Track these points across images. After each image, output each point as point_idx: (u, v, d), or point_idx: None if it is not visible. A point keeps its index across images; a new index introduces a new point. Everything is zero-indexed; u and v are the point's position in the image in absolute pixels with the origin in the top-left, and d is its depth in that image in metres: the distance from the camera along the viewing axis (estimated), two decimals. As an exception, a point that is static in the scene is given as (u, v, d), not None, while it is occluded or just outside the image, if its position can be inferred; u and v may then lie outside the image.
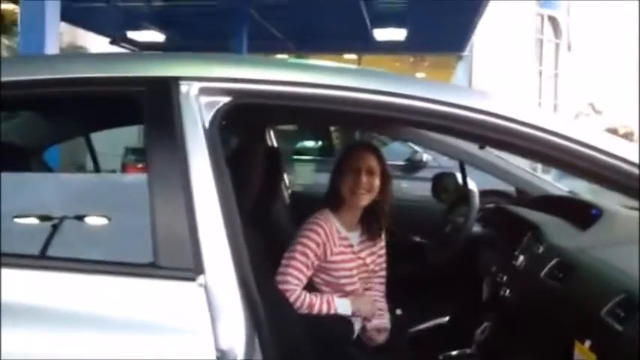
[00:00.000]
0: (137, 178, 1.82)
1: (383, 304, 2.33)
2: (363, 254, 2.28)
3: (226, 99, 1.31)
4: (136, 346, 1.16)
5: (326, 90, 1.30)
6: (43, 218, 1.37)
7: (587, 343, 1.52)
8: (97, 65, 1.42)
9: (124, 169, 7.21)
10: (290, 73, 1.36)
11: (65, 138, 2.84)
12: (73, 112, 2.12)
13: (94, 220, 1.43)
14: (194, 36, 10.40)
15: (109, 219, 1.41)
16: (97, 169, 2.83)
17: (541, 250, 2.04)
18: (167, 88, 1.29)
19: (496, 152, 2.91)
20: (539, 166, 8.81)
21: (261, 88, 1.33)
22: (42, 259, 1.26)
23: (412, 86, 1.33)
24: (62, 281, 1.20)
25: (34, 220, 1.36)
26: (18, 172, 1.79)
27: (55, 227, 1.33)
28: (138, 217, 1.26)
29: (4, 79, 1.35)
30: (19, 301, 1.17)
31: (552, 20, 19.98)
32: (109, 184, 1.73)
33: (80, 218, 1.41)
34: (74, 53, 8.10)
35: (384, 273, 2.38)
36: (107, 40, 11.69)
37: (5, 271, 1.19)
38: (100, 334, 1.16)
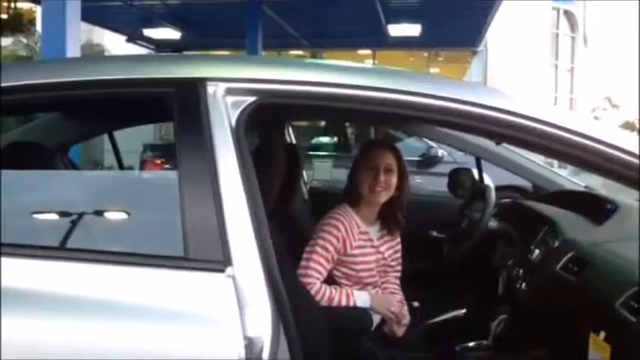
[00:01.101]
0: (168, 175, 1.88)
1: (400, 296, 2.37)
2: (382, 248, 2.33)
3: (252, 99, 1.36)
4: (167, 335, 1.21)
5: (349, 90, 1.35)
6: (82, 214, 1.43)
7: (602, 335, 1.56)
8: (127, 67, 1.48)
9: (143, 165, 7.30)
10: (313, 74, 1.41)
11: (91, 136, 2.91)
12: (100, 112, 2.18)
13: (128, 216, 1.49)
14: (210, 34, 10.48)
15: (143, 214, 1.47)
16: (120, 164, 2.90)
17: (556, 244, 2.07)
18: (195, 89, 1.34)
19: (512, 148, 2.94)
20: (555, 161, 8.79)
21: (286, 88, 1.38)
22: (80, 252, 1.32)
23: (434, 85, 1.37)
24: (99, 273, 1.26)
25: (73, 215, 1.42)
26: (50, 170, 1.86)
27: (91, 222, 1.40)
28: (169, 213, 1.32)
29: (39, 81, 1.42)
30: (58, 292, 1.24)
31: (568, 14, 19.81)
32: (142, 181, 1.79)
33: (115, 214, 1.47)
34: (104, 56, 8.19)
35: (399, 267, 2.42)
36: (124, 38, 11.80)
37: (45, 262, 1.26)
38: (134, 323, 1.22)
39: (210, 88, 1.34)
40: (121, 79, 1.41)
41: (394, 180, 2.23)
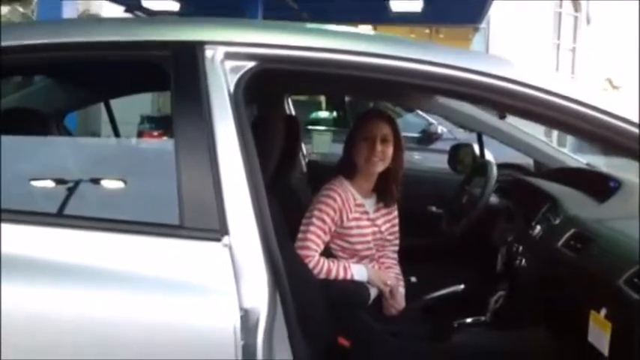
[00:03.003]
0: (164, 142, 1.84)
1: (397, 270, 2.36)
2: (378, 221, 2.30)
3: (251, 64, 1.32)
4: (162, 304, 1.19)
5: (351, 56, 1.31)
6: (77, 181, 1.40)
7: (603, 312, 1.54)
8: (122, 29, 1.43)
9: (140, 136, 7.26)
10: (316, 39, 1.36)
11: (87, 104, 2.86)
12: (95, 77, 2.13)
13: (124, 183, 1.46)
14: (209, 5, 10.34)
15: (139, 182, 1.44)
16: (116, 134, 2.85)
17: (558, 221, 2.05)
18: (192, 53, 1.30)
19: (514, 124, 2.91)
20: (555, 138, 8.76)
21: (286, 53, 1.33)
22: (75, 219, 1.29)
23: (435, 53, 1.33)
24: (93, 240, 1.23)
25: (69, 182, 1.39)
26: (46, 137, 1.82)
27: (87, 189, 1.36)
28: (165, 180, 1.28)
29: (26, 42, 1.37)
30: (52, 259, 1.21)
31: (572, -7, 19.61)
32: (139, 148, 1.76)
33: (111, 181, 1.44)
34: (98, 18, 8.09)
35: (397, 242, 2.40)
36: (122, 8, 11.64)
37: (40, 229, 1.23)
38: (128, 291, 1.20)
39: (209, 52, 1.30)
40: (114, 42, 1.36)
41: (390, 150, 2.20)
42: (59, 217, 1.30)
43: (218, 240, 1.19)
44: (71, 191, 1.38)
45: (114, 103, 2.80)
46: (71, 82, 2.40)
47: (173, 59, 1.31)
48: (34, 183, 1.44)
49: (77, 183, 1.40)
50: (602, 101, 1.29)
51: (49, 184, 1.44)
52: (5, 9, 12.89)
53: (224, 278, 1.18)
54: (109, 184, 1.47)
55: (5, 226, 1.21)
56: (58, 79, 2.40)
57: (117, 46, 1.36)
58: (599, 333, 1.54)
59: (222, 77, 1.29)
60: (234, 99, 1.28)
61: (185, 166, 1.24)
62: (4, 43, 1.35)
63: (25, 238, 1.23)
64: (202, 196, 1.22)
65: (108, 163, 1.49)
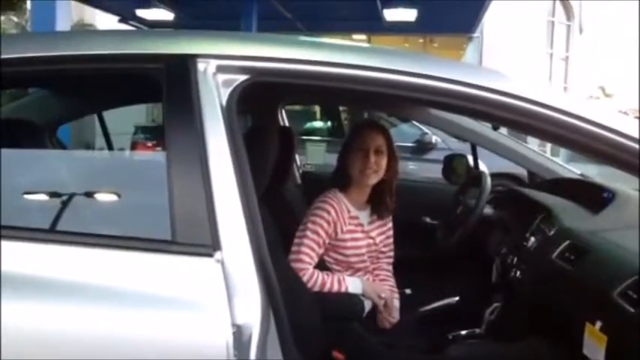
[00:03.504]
0: (156, 156, 1.83)
1: (392, 282, 2.35)
2: (372, 233, 2.30)
3: (243, 77, 1.31)
4: (154, 320, 1.18)
5: (344, 69, 1.31)
6: (66, 195, 1.38)
7: (598, 325, 1.53)
8: (115, 42, 1.42)
9: (134, 147, 7.24)
10: (308, 52, 1.36)
11: (80, 115, 2.85)
12: (88, 89, 2.13)
13: (116, 198, 1.44)
14: (204, 15, 10.35)
15: (130, 196, 1.43)
16: (109, 146, 2.84)
17: (552, 232, 2.04)
18: (185, 66, 1.29)
19: (508, 134, 2.91)
20: (548, 149, 8.79)
21: (278, 66, 1.33)
22: (64, 235, 1.27)
23: (429, 65, 1.33)
24: (83, 256, 1.21)
25: (57, 197, 1.38)
26: (38, 150, 1.81)
27: (76, 204, 1.35)
28: (157, 195, 1.27)
29: (21, 55, 1.36)
30: (43, 275, 1.19)
31: (564, 2, 19.72)
32: (130, 162, 1.75)
33: (101, 195, 1.42)
34: (91, 30, 8.09)
35: (391, 254, 2.40)
36: (116, 18, 11.65)
37: (30, 245, 1.21)
38: (118, 308, 1.18)
39: (201, 65, 1.30)
40: (108, 54, 1.36)
41: (384, 162, 2.20)
42: (49, 233, 1.29)
43: (210, 255, 1.18)
44: (62, 206, 1.36)
45: (108, 114, 2.79)
46: (65, 95, 2.39)
47: (166, 72, 1.30)
48: (24, 197, 1.42)
49: (68, 197, 1.39)
50: (595, 112, 1.29)
51: (40, 198, 1.43)
52: (-1, 19, 12.88)
53: (216, 294, 1.17)
54: (101, 198, 1.46)
55: None
56: (51, 91, 2.39)
57: (110, 59, 1.36)
58: (594, 346, 1.53)
59: (215, 90, 1.28)
60: (227, 112, 1.28)
61: (177, 180, 1.23)
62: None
63: (15, 255, 1.21)
64: (194, 211, 1.21)
65: (99, 176, 1.48)
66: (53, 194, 1.38)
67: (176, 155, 1.25)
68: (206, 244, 1.19)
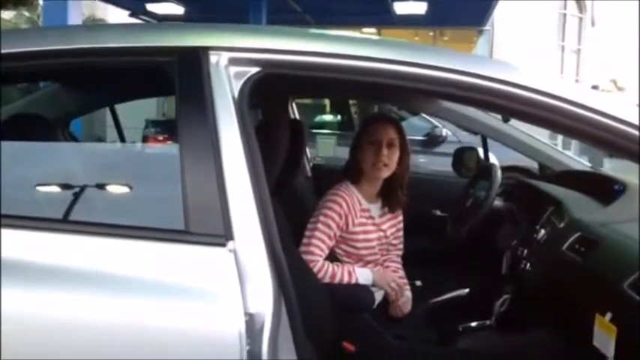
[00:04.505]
0: (169, 147, 1.85)
1: (401, 274, 2.36)
2: (383, 226, 2.31)
3: (255, 69, 1.32)
4: (167, 309, 1.19)
5: (355, 61, 1.31)
6: (83, 186, 1.40)
7: (608, 316, 1.53)
8: (128, 35, 1.43)
9: (145, 141, 7.27)
10: (320, 44, 1.36)
11: (92, 109, 2.88)
12: (101, 82, 2.15)
13: (129, 189, 1.46)
14: (213, 9, 10.36)
15: (144, 187, 1.44)
16: (122, 139, 2.87)
17: (563, 224, 2.04)
18: (197, 58, 1.30)
19: (519, 126, 2.90)
20: (560, 141, 8.74)
21: (290, 58, 1.34)
22: (81, 225, 1.29)
23: (440, 57, 1.33)
24: (98, 246, 1.23)
25: (74, 188, 1.40)
26: (52, 142, 1.83)
27: (92, 195, 1.37)
28: (170, 185, 1.29)
29: (34, 48, 1.38)
30: (59, 264, 1.22)
31: (576, -6, 19.57)
32: (144, 154, 1.76)
33: (116, 187, 1.44)
34: (103, 24, 8.13)
35: (401, 246, 2.41)
36: (126, 12, 11.69)
37: (46, 234, 1.23)
38: (132, 297, 1.20)
39: (213, 58, 1.31)
40: (121, 48, 1.37)
41: (396, 155, 2.20)
42: (65, 223, 1.31)
43: (223, 245, 1.20)
44: (77, 197, 1.38)
45: (119, 107, 2.81)
46: (77, 88, 2.41)
47: (178, 65, 1.31)
48: (41, 189, 1.45)
49: (83, 188, 1.41)
50: (607, 104, 1.29)
51: (55, 189, 1.45)
52: (11, 13, 12.95)
53: (229, 283, 1.18)
54: (115, 189, 1.48)
55: (14, 232, 1.22)
56: (64, 85, 2.41)
57: (123, 52, 1.37)
58: (605, 337, 1.53)
59: (227, 83, 1.29)
60: (239, 104, 1.29)
61: (190, 171, 1.24)
62: (12, 50, 1.36)
63: (32, 244, 1.23)
64: (207, 201, 1.22)
65: (113, 168, 1.50)
66: (71, 186, 1.40)
67: (189, 147, 1.26)
68: (219, 233, 1.20)
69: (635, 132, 1.25)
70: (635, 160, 1.31)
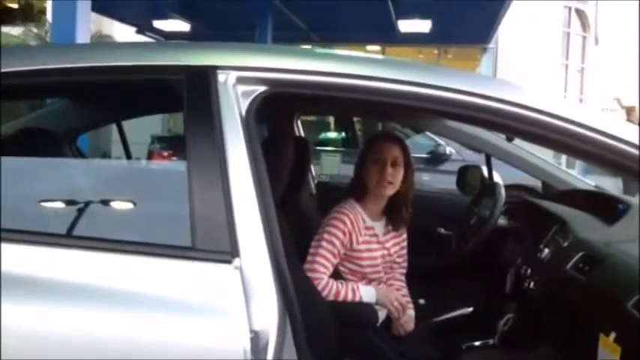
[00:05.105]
0: (177, 164, 1.87)
1: (405, 292, 2.36)
2: (387, 244, 2.31)
3: (262, 88, 1.34)
4: (173, 325, 1.20)
5: (361, 81, 1.33)
6: (90, 202, 1.42)
7: (612, 336, 1.53)
8: (137, 53, 1.46)
9: (151, 157, 7.30)
10: (326, 64, 1.39)
11: (100, 125, 2.90)
12: (109, 99, 2.17)
13: (136, 205, 1.48)
14: (219, 26, 10.45)
15: (151, 204, 1.46)
16: (128, 155, 2.89)
17: (567, 243, 2.05)
18: (205, 77, 1.32)
19: (522, 145, 2.92)
20: (564, 161, 8.74)
21: (297, 77, 1.36)
22: (88, 240, 1.30)
23: (444, 77, 1.35)
24: (105, 262, 1.24)
25: (81, 203, 1.41)
26: (59, 158, 1.85)
27: (100, 210, 1.39)
28: (177, 202, 1.30)
29: (44, 66, 1.40)
30: (65, 280, 1.23)
31: (580, 13, 19.65)
32: (151, 170, 1.78)
33: (123, 203, 1.46)
34: (113, 42, 8.20)
35: (405, 264, 2.41)
36: (133, 29, 11.79)
37: (52, 250, 1.25)
38: (139, 313, 1.21)
39: (221, 77, 1.33)
40: (130, 66, 1.39)
41: (401, 173, 2.21)
42: (71, 239, 1.32)
43: (229, 262, 1.21)
44: (83, 212, 1.40)
45: (125, 124, 2.84)
46: (85, 104, 2.44)
47: (186, 83, 1.34)
48: (46, 204, 1.46)
49: (89, 204, 1.42)
50: (609, 124, 1.30)
51: (62, 205, 1.47)
52: (19, 29, 13.07)
53: (234, 300, 1.19)
54: (122, 205, 1.49)
55: (21, 247, 1.24)
56: (73, 101, 2.44)
57: (132, 70, 1.39)
58: (609, 356, 1.53)
59: (235, 101, 1.31)
60: (246, 122, 1.31)
61: (197, 188, 1.26)
62: (22, 68, 1.38)
63: (36, 259, 1.24)
64: (214, 218, 1.24)
65: (121, 184, 1.51)
66: (79, 201, 1.41)
67: (196, 164, 1.28)
68: (225, 250, 1.21)
69: (637, 152, 1.27)
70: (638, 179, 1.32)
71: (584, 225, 2.15)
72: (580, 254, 1.90)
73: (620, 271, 1.73)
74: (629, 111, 10.01)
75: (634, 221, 2.11)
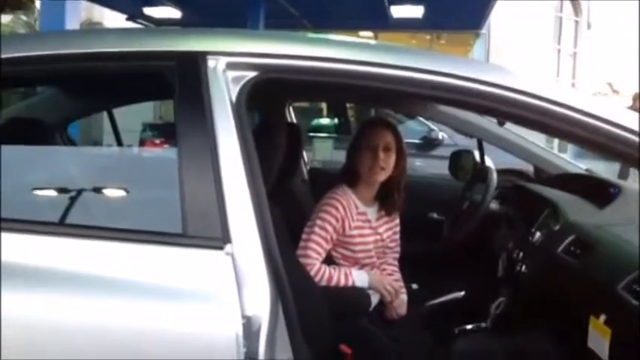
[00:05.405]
0: (167, 151, 1.86)
1: (398, 277, 2.37)
2: (380, 229, 2.32)
3: (252, 73, 1.34)
4: (165, 312, 1.20)
5: (352, 65, 1.33)
6: (81, 189, 1.41)
7: (602, 318, 1.55)
8: (126, 40, 1.45)
9: (142, 144, 7.27)
10: (317, 49, 1.38)
11: (90, 113, 2.88)
12: (99, 87, 2.15)
13: (127, 192, 1.47)
14: (211, 13, 10.38)
15: (142, 191, 1.45)
16: (119, 143, 2.88)
17: (558, 227, 2.06)
18: (195, 63, 1.32)
19: (514, 130, 2.92)
20: (556, 145, 8.77)
21: (287, 63, 1.35)
22: (78, 228, 1.30)
23: (436, 61, 1.35)
24: (96, 249, 1.24)
25: (72, 191, 1.41)
26: (49, 146, 1.84)
27: (90, 198, 1.38)
28: (168, 189, 1.30)
29: (33, 53, 1.39)
30: (55, 267, 1.22)
31: (572, -2, 19.63)
32: (142, 157, 1.77)
33: (114, 190, 1.45)
34: (102, 28, 8.14)
35: (398, 249, 2.41)
36: (124, 16, 11.69)
37: (43, 238, 1.24)
38: (130, 300, 1.21)
39: (211, 62, 1.32)
40: (120, 52, 1.38)
41: (393, 159, 2.21)
42: (62, 226, 1.32)
43: (220, 248, 1.21)
44: (74, 200, 1.39)
45: (116, 111, 2.82)
46: (76, 92, 2.42)
47: (176, 69, 1.33)
48: (38, 192, 1.45)
49: (80, 192, 1.42)
50: (603, 109, 1.31)
51: (53, 193, 1.46)
52: (8, 17, 12.95)
53: (226, 286, 1.19)
54: (112, 192, 1.49)
55: (10, 235, 1.23)
56: (62, 89, 2.42)
57: (121, 57, 1.38)
58: (599, 339, 1.54)
59: (225, 87, 1.31)
60: (237, 108, 1.30)
61: (188, 174, 1.26)
62: (11, 55, 1.37)
63: (29, 247, 1.24)
64: (205, 205, 1.24)
65: (111, 171, 1.51)
66: (69, 189, 1.41)
67: (187, 150, 1.27)
68: (216, 237, 1.21)
69: (633, 137, 1.27)
70: (633, 165, 1.32)
71: (576, 208, 2.16)
72: (571, 238, 1.91)
73: (611, 254, 1.74)
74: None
75: (625, 204, 2.12)
